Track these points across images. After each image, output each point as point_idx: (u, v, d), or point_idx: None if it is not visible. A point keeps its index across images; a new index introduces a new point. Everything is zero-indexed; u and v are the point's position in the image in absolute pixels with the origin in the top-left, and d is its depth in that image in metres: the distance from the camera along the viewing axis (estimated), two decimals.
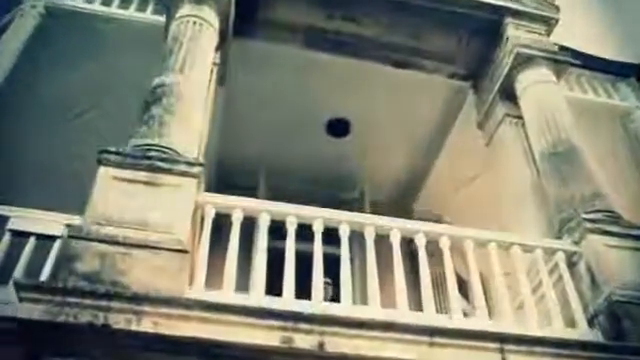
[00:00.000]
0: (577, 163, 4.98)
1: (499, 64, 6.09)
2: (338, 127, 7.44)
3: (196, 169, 4.00)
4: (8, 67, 5.13)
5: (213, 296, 3.59)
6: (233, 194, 7.86)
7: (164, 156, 4.02)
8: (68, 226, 4.08)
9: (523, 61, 5.79)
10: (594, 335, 3.97)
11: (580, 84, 6.53)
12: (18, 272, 3.75)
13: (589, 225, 4.39)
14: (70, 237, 3.51)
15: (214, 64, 5.38)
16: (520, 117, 5.83)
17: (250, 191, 7.71)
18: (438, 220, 8.20)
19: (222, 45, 5.59)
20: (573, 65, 6.19)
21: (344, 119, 7.37)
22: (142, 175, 3.88)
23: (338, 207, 7.96)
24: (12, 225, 4.08)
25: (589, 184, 4.82)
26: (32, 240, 4.06)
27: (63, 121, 6.43)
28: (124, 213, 3.68)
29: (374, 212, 7.91)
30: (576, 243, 4.44)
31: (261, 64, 6.54)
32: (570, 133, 5.21)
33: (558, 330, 3.94)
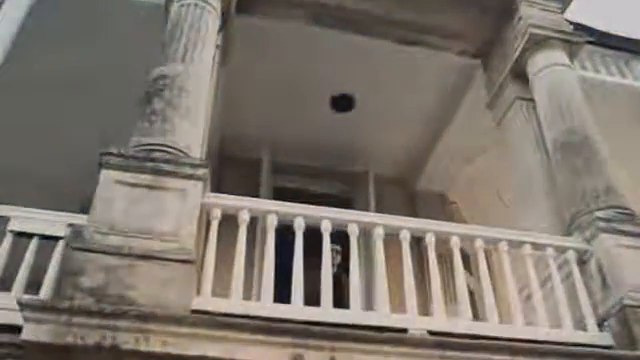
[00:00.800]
0: (591, 155, 4.86)
1: (511, 44, 5.88)
2: (342, 102, 7.30)
3: (201, 171, 3.87)
4: (8, 40, 4.91)
5: (221, 306, 3.54)
6: (236, 168, 7.84)
7: (168, 157, 3.89)
8: (70, 226, 4.03)
9: (536, 42, 5.59)
10: (604, 339, 3.94)
11: (592, 62, 6.33)
12: (20, 282, 3.70)
13: (602, 224, 4.31)
14: (73, 249, 3.41)
15: (217, 47, 5.19)
16: (531, 100, 5.67)
17: (253, 165, 7.67)
18: (442, 200, 8.20)
19: (224, 26, 5.37)
20: (588, 43, 6.00)
21: (348, 94, 7.22)
22: (146, 178, 3.76)
23: (342, 180, 8.05)
24: (13, 226, 4.00)
25: (602, 178, 4.70)
26: (35, 241, 4.00)
27: (61, 97, 6.35)
28: (128, 220, 3.58)
29: (377, 187, 7.93)
30: (587, 241, 4.36)
31: (264, 41, 6.34)
32: (584, 122, 5.07)
33: (568, 335, 3.91)
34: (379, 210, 7.76)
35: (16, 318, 3.30)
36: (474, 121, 6.82)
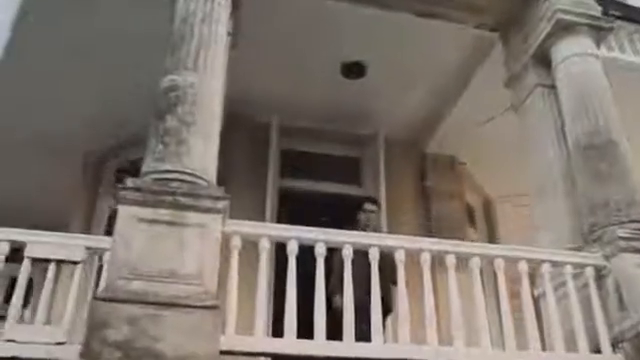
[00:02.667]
0: (614, 161, 4.74)
1: (533, 25, 5.59)
2: (353, 69, 7.06)
3: (221, 204, 3.77)
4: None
5: (246, 345, 3.58)
6: (244, 130, 7.71)
7: (186, 188, 3.77)
8: (88, 249, 4.00)
9: (563, 28, 5.31)
10: None
11: (619, 41, 6.04)
12: (42, 312, 3.72)
13: (623, 244, 4.28)
14: (97, 299, 3.39)
15: (228, 34, 4.91)
16: (553, 86, 5.47)
17: (262, 128, 7.52)
18: (452, 161, 8.13)
19: (235, 11, 5.05)
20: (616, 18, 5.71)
21: (360, 62, 6.96)
22: (165, 214, 3.66)
23: (350, 143, 7.92)
24: (30, 252, 3.96)
25: (625, 188, 4.62)
26: (52, 268, 3.97)
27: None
28: (150, 262, 3.53)
29: (388, 150, 7.84)
30: (607, 257, 4.36)
31: (272, 11, 6.01)
32: (610, 123, 4.90)
33: (585, 358, 4.00)
34: (387, 172, 7.74)
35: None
36: (489, 91, 6.61)
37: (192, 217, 3.69)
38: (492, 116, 7.23)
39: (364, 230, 5.24)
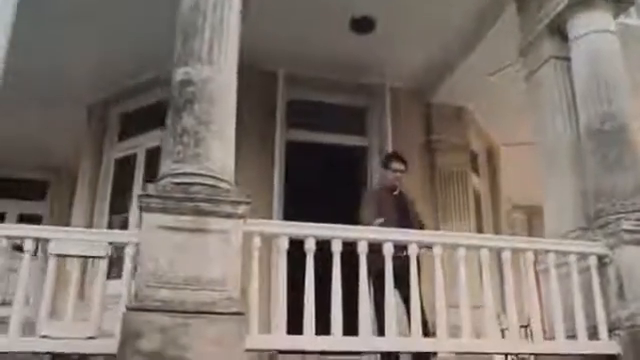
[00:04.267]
0: (624, 148, 4.79)
1: None
2: (362, 24, 6.93)
3: (241, 209, 3.86)
4: None
5: (269, 343, 3.82)
6: (252, 79, 7.71)
7: (207, 193, 3.84)
8: (111, 244, 4.13)
9: (579, 2, 5.16)
10: (613, 347, 4.32)
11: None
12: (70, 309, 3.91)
13: (627, 236, 4.43)
14: (130, 309, 3.56)
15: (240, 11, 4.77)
16: (568, 59, 5.40)
17: (269, 77, 7.46)
18: (458, 111, 8.12)
19: None
20: None
21: (369, 17, 6.81)
22: (187, 220, 3.76)
23: (357, 93, 7.87)
24: (55, 249, 4.08)
25: (633, 176, 4.71)
26: (77, 265, 4.13)
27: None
28: (176, 269, 3.67)
29: (393, 99, 7.83)
30: (610, 247, 4.52)
31: None
32: (623, 107, 4.91)
33: (582, 345, 4.27)
34: (394, 122, 7.77)
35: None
36: (502, 44, 6.52)
37: (214, 223, 3.79)
38: (502, 67, 7.17)
39: (392, 191, 5.23)
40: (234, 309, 3.66)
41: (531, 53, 5.70)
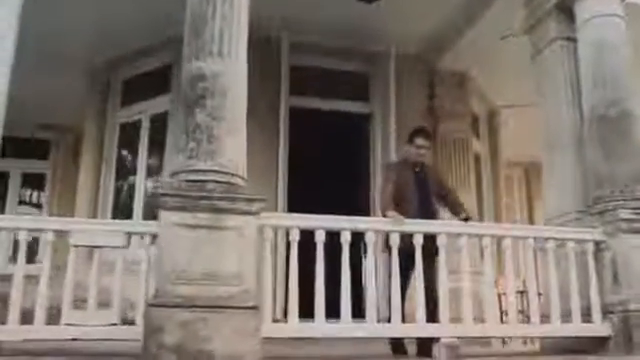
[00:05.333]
0: (626, 136, 4.90)
1: None
2: None
3: (256, 206, 4.00)
4: None
5: (283, 331, 4.05)
6: (255, 45, 7.69)
7: (222, 189, 3.96)
8: (127, 234, 4.29)
9: None
10: (605, 329, 4.57)
11: None
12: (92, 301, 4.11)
13: (624, 225, 4.61)
14: (151, 305, 3.75)
15: None
16: (574, 40, 5.43)
17: (272, 43, 7.42)
18: (461, 77, 8.13)
19: None
20: None
21: None
22: (204, 218, 3.90)
23: (360, 58, 7.86)
24: (76, 240, 4.24)
25: (634, 165, 4.84)
26: (97, 255, 4.29)
27: None
28: (194, 266, 3.84)
29: (397, 66, 7.82)
30: (607, 234, 4.71)
31: None
32: (627, 95, 4.99)
33: (577, 328, 4.53)
34: (398, 89, 7.80)
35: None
36: (508, 14, 6.49)
37: (229, 220, 3.94)
38: (509, 34, 7.14)
39: (413, 167, 5.01)
40: (250, 303, 3.85)
41: (537, 32, 5.72)
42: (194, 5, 4.38)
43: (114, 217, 7.79)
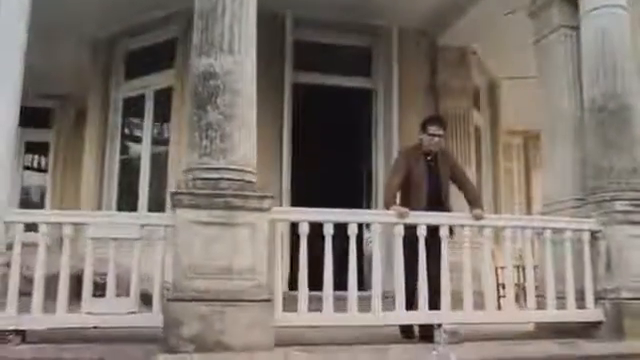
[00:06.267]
0: (625, 129, 5.03)
1: None
2: None
3: (267, 203, 4.16)
4: None
5: (292, 321, 4.27)
6: (258, 21, 7.74)
7: (235, 187, 4.11)
8: (143, 227, 4.46)
9: None
10: (598, 315, 4.83)
11: None
12: (111, 289, 4.31)
13: (620, 217, 4.80)
14: (170, 300, 3.96)
15: None
16: (578, 28, 5.49)
17: (275, 19, 7.43)
18: (463, 52, 8.17)
19: None
20: None
21: None
22: (218, 215, 4.05)
23: (362, 33, 7.89)
24: (93, 233, 4.42)
25: (631, 157, 4.98)
26: (113, 246, 4.46)
27: None
28: (209, 261, 4.02)
29: (400, 41, 7.85)
30: (603, 224, 4.90)
31: None
32: (628, 87, 5.08)
33: (572, 314, 4.78)
34: (400, 64, 7.85)
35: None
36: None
37: (242, 216, 4.10)
38: (513, 11, 7.16)
39: (425, 156, 4.98)
40: (263, 296, 4.06)
41: (540, 17, 5.77)
42: (203, 1, 4.42)
43: (120, 190, 7.97)
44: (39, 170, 11.00)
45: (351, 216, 4.50)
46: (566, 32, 5.52)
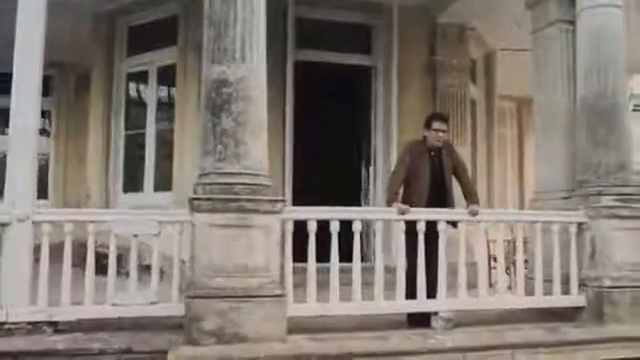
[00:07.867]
0: (614, 127, 5.29)
1: None
2: None
3: (278, 206, 4.47)
4: None
5: (302, 311, 4.66)
6: None
7: (249, 191, 4.40)
8: (160, 223, 4.77)
9: None
10: (580, 301, 5.25)
11: None
12: (133, 281, 4.67)
13: (605, 211, 5.14)
14: (190, 297, 4.32)
15: None
16: (574, 23, 5.68)
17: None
18: (461, 29, 8.29)
19: None
20: None
21: None
22: (234, 218, 4.37)
23: (363, 10, 8.00)
24: (116, 230, 4.72)
25: (619, 154, 5.27)
26: (135, 242, 4.78)
27: None
28: (226, 260, 4.37)
29: (401, 18, 7.97)
30: (590, 217, 5.25)
31: None
32: (618, 86, 5.31)
33: (557, 300, 5.21)
34: (400, 41, 8.00)
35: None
36: None
37: (256, 219, 4.42)
38: None
39: (430, 152, 5.18)
40: (277, 292, 4.44)
41: (538, 10, 5.92)
42: (215, 8, 4.57)
43: (125, 167, 8.21)
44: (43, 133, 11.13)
45: (354, 214, 4.84)
46: (563, 27, 5.70)
